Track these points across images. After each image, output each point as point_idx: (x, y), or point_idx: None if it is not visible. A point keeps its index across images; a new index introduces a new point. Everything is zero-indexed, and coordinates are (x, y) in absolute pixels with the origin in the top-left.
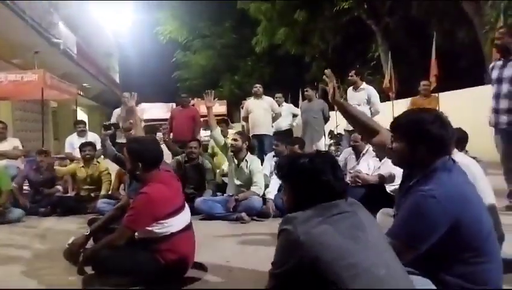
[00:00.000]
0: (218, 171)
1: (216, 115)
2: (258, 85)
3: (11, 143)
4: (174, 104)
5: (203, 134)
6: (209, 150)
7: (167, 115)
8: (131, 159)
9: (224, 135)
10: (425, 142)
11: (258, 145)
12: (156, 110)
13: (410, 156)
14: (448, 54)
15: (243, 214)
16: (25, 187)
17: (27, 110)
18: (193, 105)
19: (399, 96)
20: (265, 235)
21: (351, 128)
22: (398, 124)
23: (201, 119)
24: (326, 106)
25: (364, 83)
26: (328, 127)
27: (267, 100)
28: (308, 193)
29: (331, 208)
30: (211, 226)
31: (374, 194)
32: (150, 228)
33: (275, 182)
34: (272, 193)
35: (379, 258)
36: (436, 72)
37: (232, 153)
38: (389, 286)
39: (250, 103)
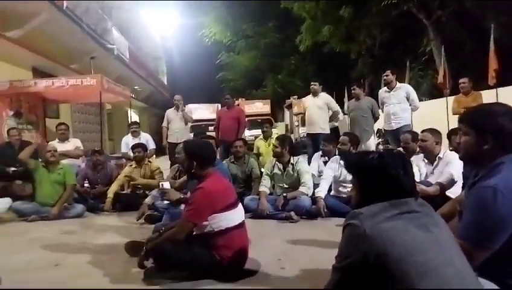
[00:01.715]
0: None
1: (260, 115)
2: (314, 83)
3: (73, 143)
4: (219, 105)
5: (248, 133)
6: (255, 150)
7: (213, 115)
8: (188, 158)
9: (269, 136)
10: (493, 134)
11: (312, 143)
12: (201, 111)
13: (477, 148)
14: (507, 47)
15: (292, 213)
16: (85, 185)
17: (85, 113)
18: (237, 105)
19: (453, 92)
20: (315, 234)
21: (391, 128)
22: (467, 116)
23: (246, 119)
24: (376, 104)
25: (397, 82)
26: (375, 126)
27: (324, 98)
28: (376, 188)
29: (401, 206)
30: (260, 225)
31: (434, 201)
32: (206, 222)
33: (325, 182)
34: (322, 192)
35: (448, 258)
36: (495, 67)
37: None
38: (458, 286)
39: (306, 100)
